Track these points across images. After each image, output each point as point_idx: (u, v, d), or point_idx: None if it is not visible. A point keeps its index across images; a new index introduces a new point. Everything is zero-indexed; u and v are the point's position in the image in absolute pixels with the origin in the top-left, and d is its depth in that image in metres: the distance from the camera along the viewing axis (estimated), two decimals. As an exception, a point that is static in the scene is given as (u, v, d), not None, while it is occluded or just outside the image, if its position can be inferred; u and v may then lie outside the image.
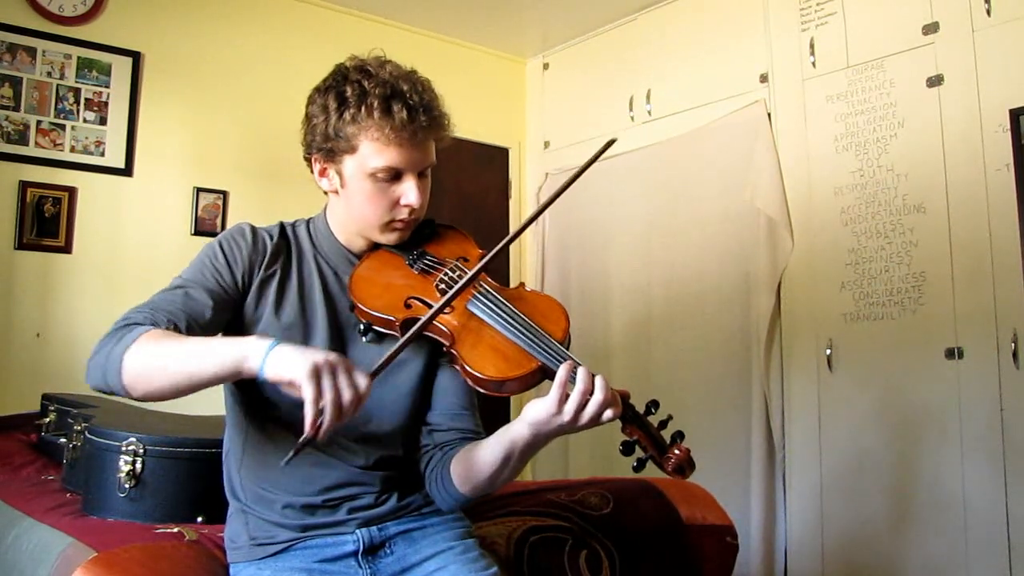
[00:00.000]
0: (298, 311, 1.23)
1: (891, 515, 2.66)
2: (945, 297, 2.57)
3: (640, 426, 1.09)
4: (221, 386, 1.30)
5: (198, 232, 3.15)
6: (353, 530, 1.20)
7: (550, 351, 1.10)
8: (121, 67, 3.04)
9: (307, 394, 0.94)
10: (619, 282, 3.60)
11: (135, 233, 3.04)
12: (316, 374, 0.95)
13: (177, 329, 1.09)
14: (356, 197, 1.22)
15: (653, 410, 1.11)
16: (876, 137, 2.78)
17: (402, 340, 1.09)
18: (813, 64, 2.98)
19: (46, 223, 2.86)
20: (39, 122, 2.88)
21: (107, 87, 3.01)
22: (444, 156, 1.27)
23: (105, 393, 1.08)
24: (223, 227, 3.20)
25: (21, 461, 2.11)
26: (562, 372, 1.05)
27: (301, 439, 0.96)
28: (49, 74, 2.90)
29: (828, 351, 2.85)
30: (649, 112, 3.57)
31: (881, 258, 2.75)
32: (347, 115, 1.17)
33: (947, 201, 2.59)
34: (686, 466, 1.08)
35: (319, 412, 0.95)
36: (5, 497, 1.70)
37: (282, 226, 1.30)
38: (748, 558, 2.85)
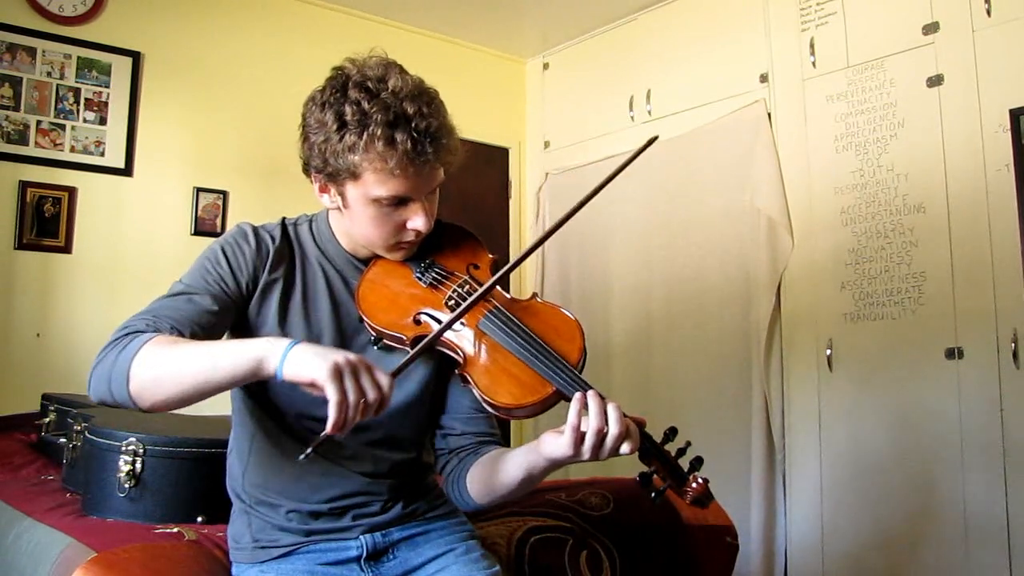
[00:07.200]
0: (302, 317, 1.20)
1: (891, 515, 2.66)
2: (945, 297, 2.57)
3: (658, 457, 1.08)
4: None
5: (198, 232, 3.15)
6: (357, 536, 1.20)
7: (565, 376, 1.08)
8: (121, 67, 3.04)
9: (332, 396, 0.92)
10: (619, 282, 3.60)
11: (135, 233, 3.03)
12: (338, 374, 0.92)
13: (181, 336, 1.05)
14: (360, 219, 1.16)
15: (671, 437, 1.10)
16: (876, 137, 2.78)
17: (412, 352, 1.06)
18: (813, 64, 2.98)
19: (46, 223, 2.86)
20: (39, 122, 2.88)
21: (107, 87, 3.01)
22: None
23: (109, 405, 1.03)
24: (223, 227, 3.20)
25: (21, 461, 2.11)
26: (572, 415, 1.04)
27: (321, 435, 0.94)
28: (49, 74, 2.90)
29: (828, 351, 2.85)
30: (649, 112, 3.57)
31: (881, 258, 2.75)
32: (348, 140, 1.08)
33: (947, 201, 2.59)
34: (704, 499, 1.07)
35: (344, 412, 0.93)
36: (5, 497, 1.70)
37: (284, 226, 1.25)
38: (748, 558, 2.85)
